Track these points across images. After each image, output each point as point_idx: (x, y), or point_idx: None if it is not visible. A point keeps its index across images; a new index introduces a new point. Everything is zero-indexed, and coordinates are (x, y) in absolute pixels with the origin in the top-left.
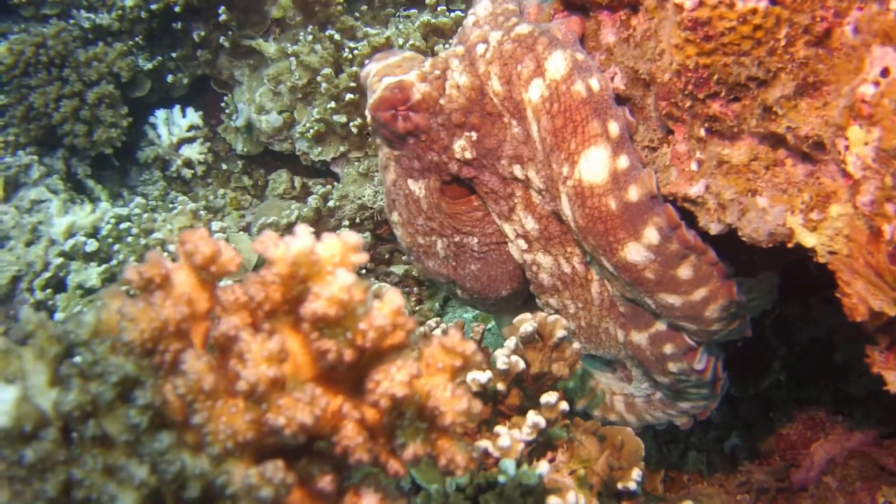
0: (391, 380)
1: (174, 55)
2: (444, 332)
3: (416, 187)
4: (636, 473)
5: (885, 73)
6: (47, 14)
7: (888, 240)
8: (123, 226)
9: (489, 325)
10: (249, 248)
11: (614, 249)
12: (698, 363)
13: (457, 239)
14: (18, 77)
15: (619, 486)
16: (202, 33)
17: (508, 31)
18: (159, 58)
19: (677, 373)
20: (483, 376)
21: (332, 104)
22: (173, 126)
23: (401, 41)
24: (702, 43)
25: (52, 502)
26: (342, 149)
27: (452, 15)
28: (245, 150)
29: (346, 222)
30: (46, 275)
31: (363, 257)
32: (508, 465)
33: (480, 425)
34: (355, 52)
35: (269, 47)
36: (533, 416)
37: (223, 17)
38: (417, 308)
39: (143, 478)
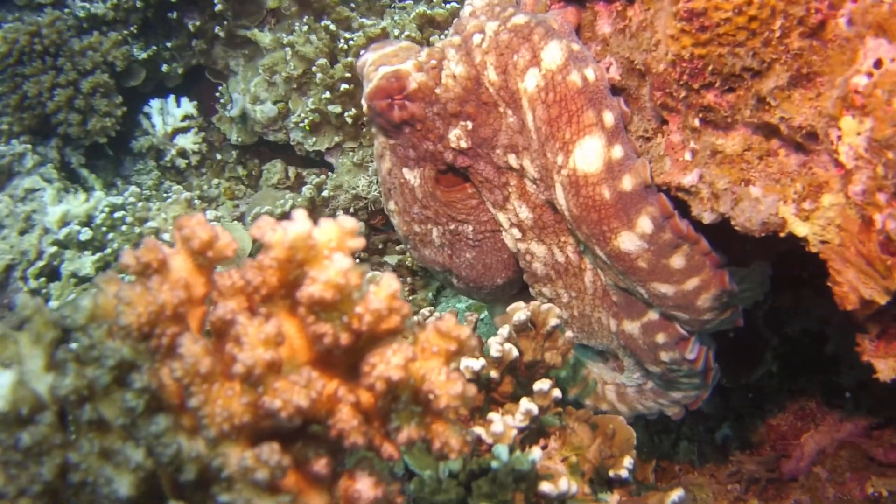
0: (387, 363)
1: (169, 45)
2: (439, 318)
3: (412, 176)
4: (628, 461)
5: (878, 64)
6: (42, 3)
7: (879, 229)
8: (118, 215)
9: (482, 315)
10: (244, 238)
11: (608, 238)
12: (690, 353)
13: (452, 227)
14: (12, 66)
15: (611, 473)
16: (197, 23)
17: (505, 21)
18: (154, 47)
19: (669, 362)
20: (476, 364)
21: (327, 94)
22: (168, 116)
23: (396, 32)
24: (697, 33)
25: (48, 486)
26: (337, 139)
27: (448, 6)
28: (239, 139)
29: (341, 212)
30: (40, 263)
31: (360, 242)
32: (501, 450)
33: (473, 413)
34: (351, 42)
35: (265, 37)
36: (526, 403)
37: (219, 7)
38: (411, 298)
39: (139, 461)
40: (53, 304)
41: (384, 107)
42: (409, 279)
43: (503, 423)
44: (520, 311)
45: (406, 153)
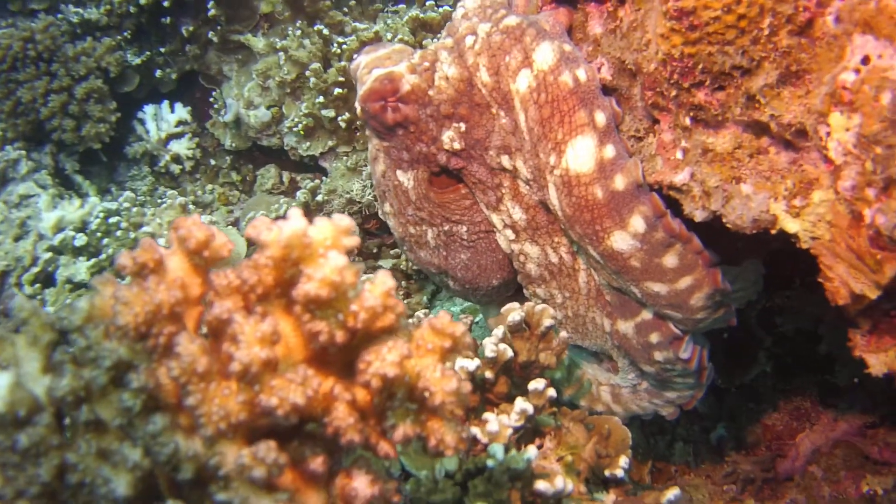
0: (382, 360)
1: (163, 50)
2: (434, 316)
3: (405, 178)
4: (623, 461)
5: (865, 60)
6: (35, 9)
7: (869, 223)
8: (112, 220)
9: (477, 319)
10: (239, 242)
11: (600, 238)
12: (684, 352)
13: (446, 228)
14: (6, 72)
15: (607, 473)
16: (191, 28)
17: (497, 22)
18: (148, 53)
19: (663, 361)
20: (471, 364)
21: (321, 99)
22: (161, 121)
23: (389, 36)
24: (687, 32)
25: (46, 487)
26: (330, 143)
27: (441, 10)
28: (233, 145)
29: None
30: (35, 269)
31: (355, 241)
32: (497, 449)
33: (469, 413)
34: (344, 46)
35: (258, 42)
36: (521, 403)
37: (212, 12)
38: (406, 302)
39: (136, 460)
40: (49, 309)
41: (378, 109)
42: (403, 283)
43: (498, 423)
44: (514, 311)
45: (400, 155)
